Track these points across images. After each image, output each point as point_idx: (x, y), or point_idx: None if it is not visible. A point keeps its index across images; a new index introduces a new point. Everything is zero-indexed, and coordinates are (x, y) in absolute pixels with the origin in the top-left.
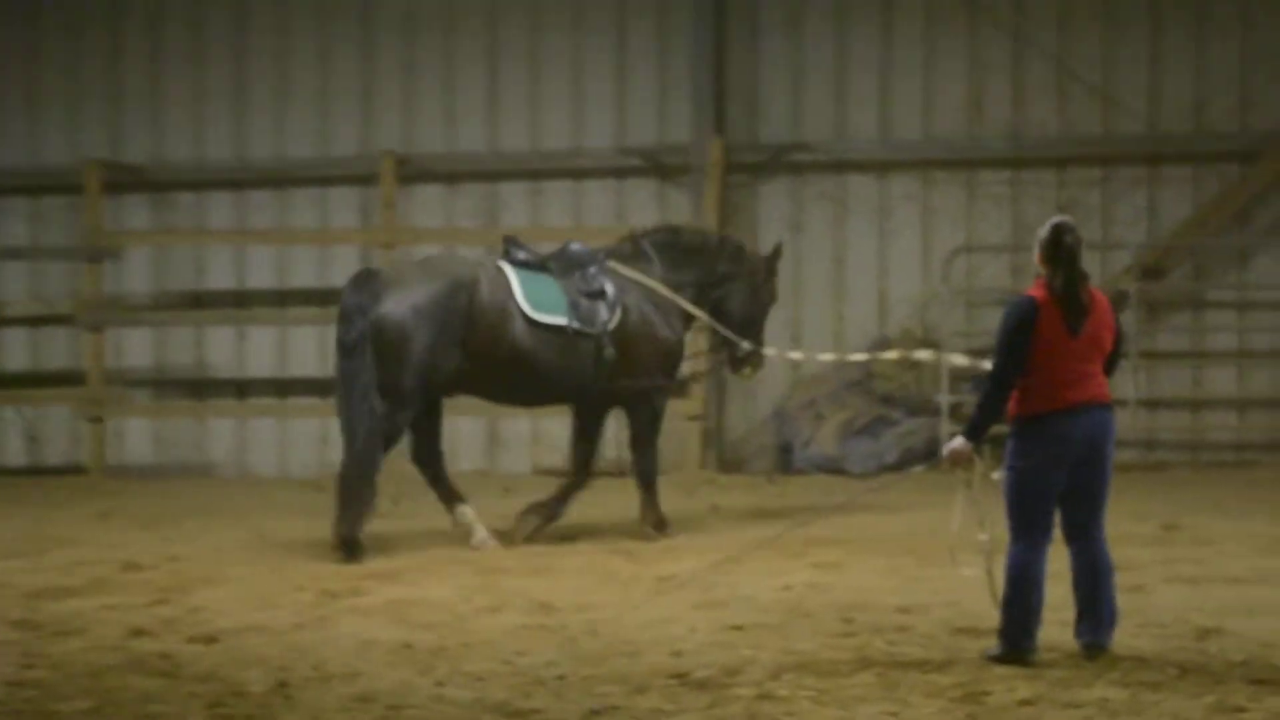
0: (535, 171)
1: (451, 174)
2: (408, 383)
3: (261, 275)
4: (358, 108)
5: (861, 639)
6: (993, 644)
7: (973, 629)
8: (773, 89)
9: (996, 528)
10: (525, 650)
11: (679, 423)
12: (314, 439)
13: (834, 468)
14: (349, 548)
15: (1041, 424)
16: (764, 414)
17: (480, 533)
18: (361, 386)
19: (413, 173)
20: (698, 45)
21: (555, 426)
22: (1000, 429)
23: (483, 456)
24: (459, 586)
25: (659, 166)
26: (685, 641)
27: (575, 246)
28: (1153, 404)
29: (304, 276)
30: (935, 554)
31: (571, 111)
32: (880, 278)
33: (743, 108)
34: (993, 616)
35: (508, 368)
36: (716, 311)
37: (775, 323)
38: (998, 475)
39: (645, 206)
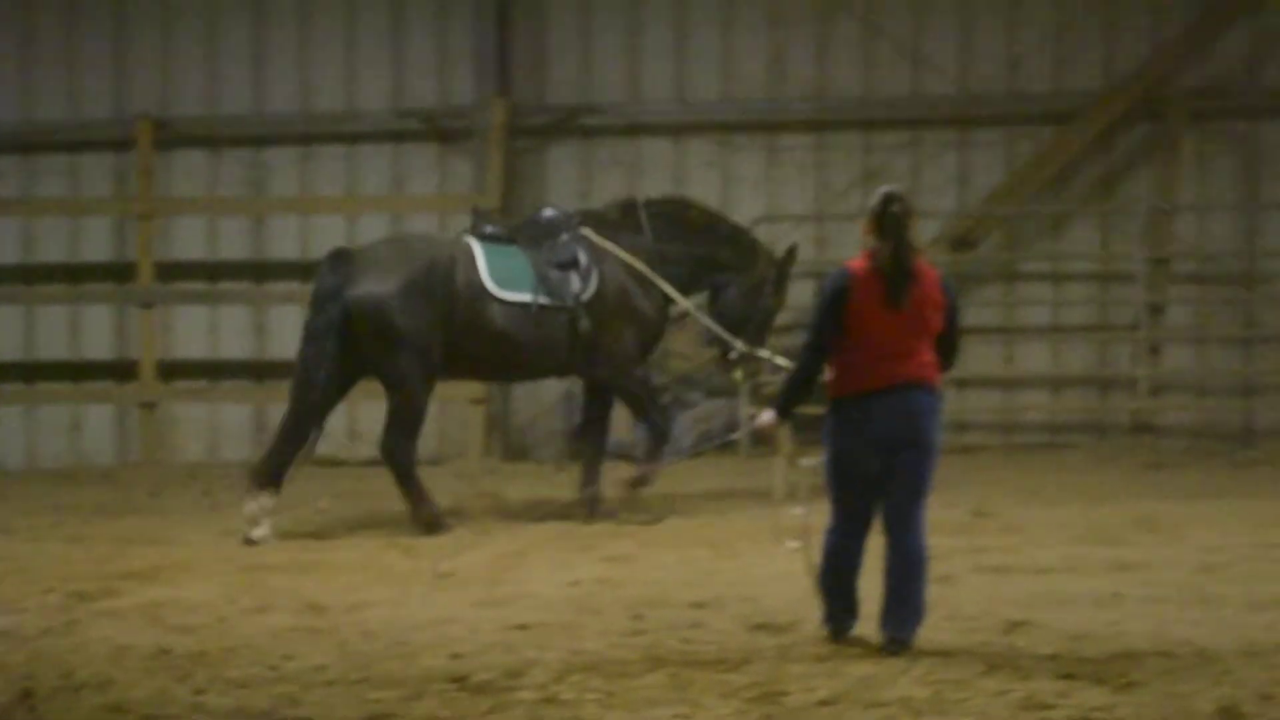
0: (305, 135)
1: (213, 138)
2: (406, 365)
3: (5, 249)
4: (110, 66)
5: (653, 637)
6: (789, 639)
7: (770, 625)
8: (561, 47)
9: (813, 505)
10: (292, 654)
11: (462, 407)
12: (65, 428)
13: (627, 453)
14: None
15: (857, 404)
16: (552, 398)
17: (260, 530)
18: (324, 377)
19: (171, 137)
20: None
21: None
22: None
23: (251, 445)
24: (221, 586)
25: (439, 130)
26: (465, 643)
27: (548, 213)
28: (963, 383)
29: (53, 251)
30: (731, 545)
31: (344, 71)
32: None
33: (529, 67)
34: (790, 611)
35: (483, 347)
36: (711, 302)
37: None
38: (807, 462)
39: (425, 172)
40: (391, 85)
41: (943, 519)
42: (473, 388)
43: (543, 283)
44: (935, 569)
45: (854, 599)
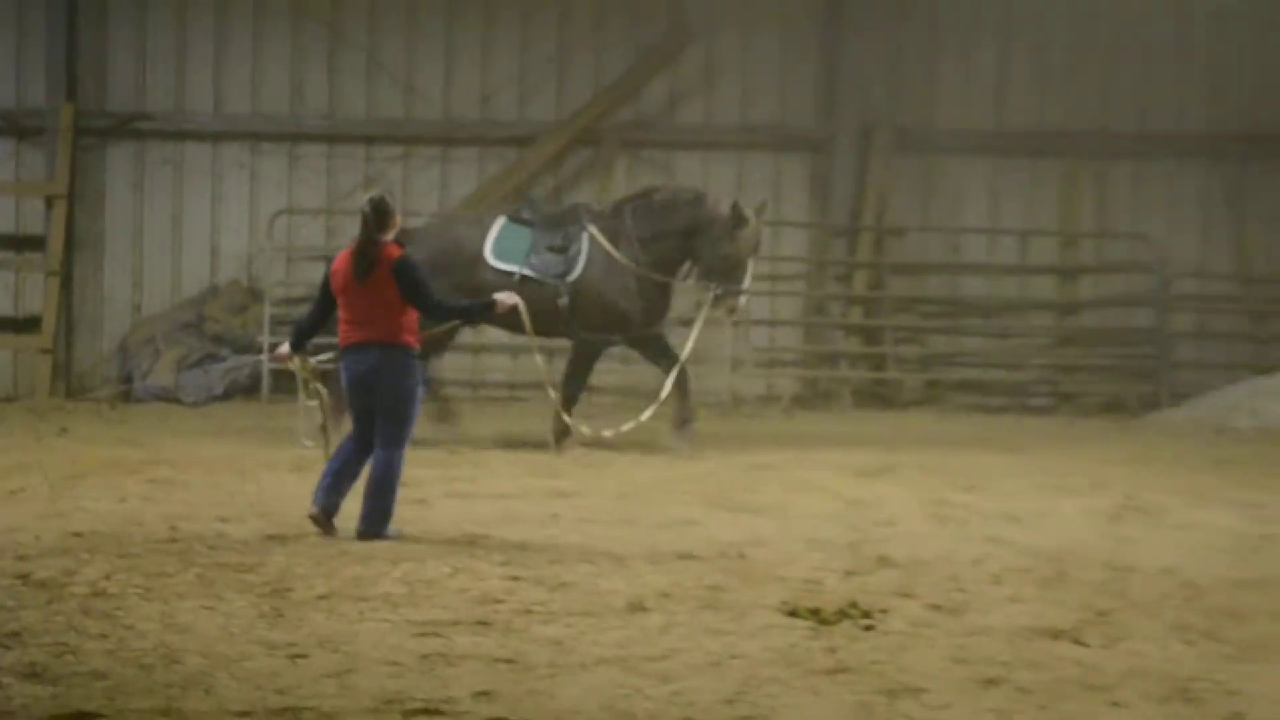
0: None
1: None
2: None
3: None
4: None
5: (185, 544)
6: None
7: (280, 536)
8: (120, 63)
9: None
10: None
11: (31, 355)
12: None
13: (170, 397)
14: None
15: (344, 354)
16: (109, 348)
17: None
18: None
19: None
20: (51, 17)
21: None
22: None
23: None
24: None
25: (17, 127)
26: (30, 548)
27: (568, 208)
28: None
29: None
30: (252, 472)
31: None
32: (213, 234)
33: (93, 78)
34: (297, 526)
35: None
36: (697, 258)
37: (118, 271)
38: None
39: (3, 163)
40: None
41: (424, 455)
42: (41, 339)
43: (530, 259)
44: (414, 494)
45: (340, 489)
